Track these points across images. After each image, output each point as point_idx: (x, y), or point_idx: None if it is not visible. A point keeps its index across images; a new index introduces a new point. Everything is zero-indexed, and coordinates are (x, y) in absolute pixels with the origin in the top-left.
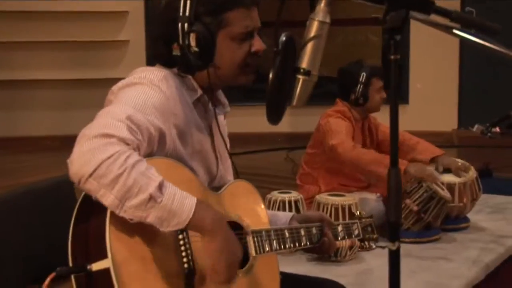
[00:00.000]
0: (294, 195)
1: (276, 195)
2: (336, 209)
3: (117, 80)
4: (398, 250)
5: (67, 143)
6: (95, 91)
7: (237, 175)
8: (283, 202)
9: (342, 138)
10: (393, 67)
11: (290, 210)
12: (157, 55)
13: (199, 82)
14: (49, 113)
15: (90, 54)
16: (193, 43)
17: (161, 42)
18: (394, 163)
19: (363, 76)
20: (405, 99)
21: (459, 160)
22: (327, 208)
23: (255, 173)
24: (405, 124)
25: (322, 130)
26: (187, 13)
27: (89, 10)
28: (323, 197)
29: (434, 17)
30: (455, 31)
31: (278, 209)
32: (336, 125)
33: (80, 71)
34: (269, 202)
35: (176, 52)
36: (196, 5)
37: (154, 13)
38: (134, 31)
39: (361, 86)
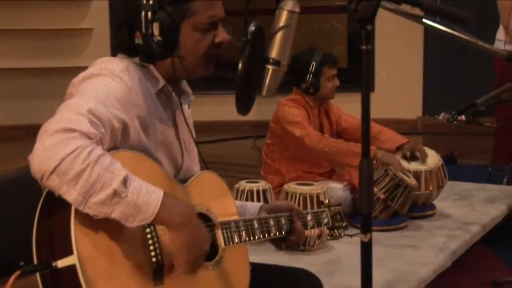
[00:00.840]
0: (262, 184)
1: (243, 184)
2: (305, 198)
3: (80, 68)
4: (370, 241)
5: (29, 132)
6: (58, 80)
7: (205, 164)
8: (251, 191)
9: (306, 129)
10: (364, 57)
11: (258, 199)
12: (119, 43)
13: (161, 72)
14: (11, 102)
15: (53, 42)
16: (156, 32)
17: (124, 30)
18: (365, 154)
19: (312, 65)
20: (370, 87)
21: (424, 147)
22: (295, 197)
23: (222, 162)
24: (371, 111)
25: (279, 121)
26: (150, 1)
27: None
28: (291, 186)
29: (403, 6)
30: (424, 20)
31: (246, 199)
32: (292, 115)
33: (43, 59)
34: (237, 191)
35: (138, 40)
36: None
37: (118, 3)
38: (98, 19)
39: (311, 75)
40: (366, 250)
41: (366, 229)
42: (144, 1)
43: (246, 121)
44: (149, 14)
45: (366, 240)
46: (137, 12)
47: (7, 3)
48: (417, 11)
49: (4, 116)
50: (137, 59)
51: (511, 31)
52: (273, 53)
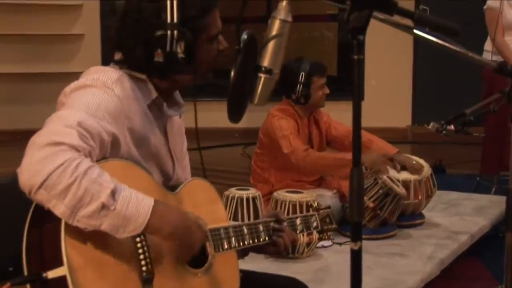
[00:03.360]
0: (252, 191)
1: (233, 191)
2: (294, 206)
3: (71, 74)
4: (360, 249)
5: (18, 138)
6: (49, 86)
7: (203, 172)
8: (241, 198)
9: (292, 145)
10: (356, 67)
11: (248, 207)
12: (133, 59)
13: (157, 84)
14: (1, 107)
15: (44, 48)
16: (180, 49)
17: (140, 47)
18: (356, 163)
19: (302, 75)
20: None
21: (413, 157)
22: (284, 205)
23: (212, 169)
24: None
25: (268, 133)
26: (174, 20)
27: (43, 2)
28: (281, 194)
29: (394, 17)
30: (415, 31)
31: (236, 206)
32: (281, 128)
33: (34, 65)
34: (227, 198)
35: (159, 58)
36: (181, 11)
37: (127, 18)
38: (89, 25)
39: (301, 86)
40: (356, 259)
41: (356, 237)
42: (169, 20)
43: (236, 128)
44: (175, 32)
45: (356, 248)
46: (157, 30)
47: None
48: (408, 21)
49: None
50: (138, 73)
51: (497, 43)
52: (265, 62)
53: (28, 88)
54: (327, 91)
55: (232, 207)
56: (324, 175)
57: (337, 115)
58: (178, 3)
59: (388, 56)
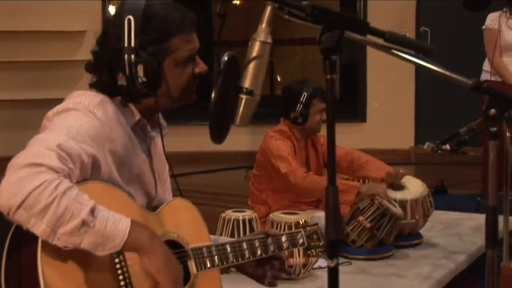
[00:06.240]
0: (248, 213)
1: (230, 213)
2: (290, 227)
3: None
4: (336, 267)
5: None
6: None
7: (180, 194)
8: (237, 220)
9: (291, 165)
10: (329, 86)
11: (244, 228)
12: (100, 83)
13: (139, 107)
14: (6, 133)
15: (47, 74)
16: (140, 73)
17: (105, 71)
18: (332, 181)
19: (304, 96)
20: (362, 118)
21: (410, 177)
22: (280, 226)
23: (214, 192)
24: (363, 142)
25: (265, 154)
26: (132, 44)
27: (46, 29)
28: (277, 216)
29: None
30: (393, 51)
31: (232, 228)
32: (278, 149)
33: (37, 91)
34: (223, 220)
35: (122, 82)
36: (141, 35)
37: (100, 42)
38: None
39: (301, 106)
40: (333, 276)
41: (333, 254)
42: (126, 44)
43: (239, 152)
44: (132, 56)
45: (332, 265)
46: (118, 54)
47: (2, 35)
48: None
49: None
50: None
51: (495, 64)
52: (246, 83)
53: (32, 114)
54: (325, 117)
55: (229, 229)
56: (322, 198)
57: (337, 137)
58: (138, 27)
59: (390, 78)
